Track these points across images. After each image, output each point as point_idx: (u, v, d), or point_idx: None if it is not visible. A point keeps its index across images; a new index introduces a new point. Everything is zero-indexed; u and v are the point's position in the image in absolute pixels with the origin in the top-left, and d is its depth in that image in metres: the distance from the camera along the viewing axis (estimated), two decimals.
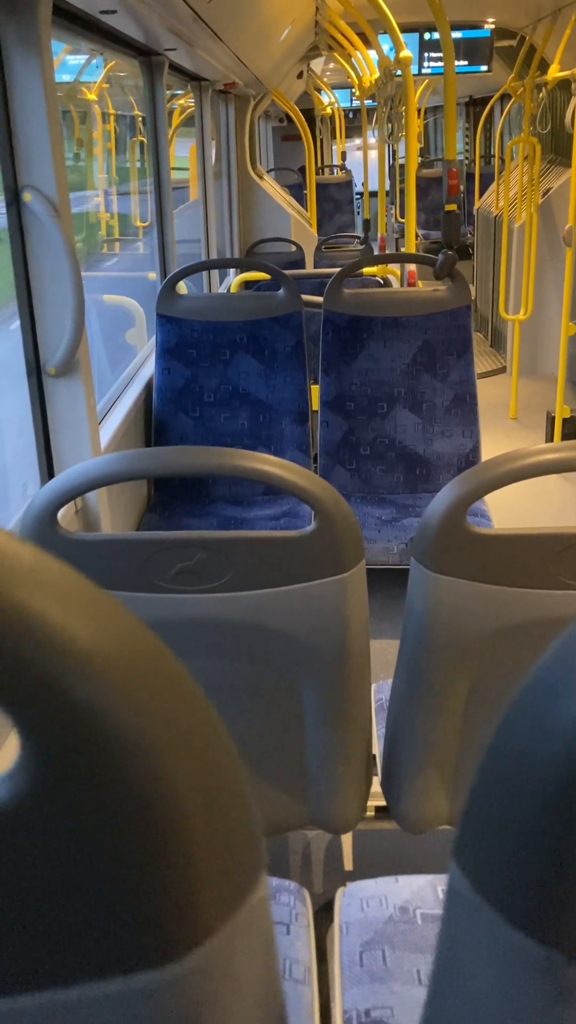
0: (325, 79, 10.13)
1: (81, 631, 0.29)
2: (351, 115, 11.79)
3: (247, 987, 0.35)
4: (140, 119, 6.71)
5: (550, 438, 4.62)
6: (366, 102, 8.07)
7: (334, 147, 11.66)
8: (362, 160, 10.98)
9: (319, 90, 10.46)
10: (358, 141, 13.15)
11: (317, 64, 8.14)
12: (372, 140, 9.44)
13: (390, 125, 5.63)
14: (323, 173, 10.56)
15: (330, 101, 10.65)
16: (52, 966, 0.31)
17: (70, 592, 0.30)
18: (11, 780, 0.30)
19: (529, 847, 0.31)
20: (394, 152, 7.12)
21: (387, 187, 6.42)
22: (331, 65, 7.89)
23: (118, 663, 0.30)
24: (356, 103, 9.64)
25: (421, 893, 1.22)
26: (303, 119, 7.15)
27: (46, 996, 0.31)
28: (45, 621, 0.29)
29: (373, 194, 8.94)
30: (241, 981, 0.34)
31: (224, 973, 0.33)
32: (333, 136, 11.45)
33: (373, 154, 9.20)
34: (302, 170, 8.27)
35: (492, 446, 3.12)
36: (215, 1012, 0.33)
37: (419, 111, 10.26)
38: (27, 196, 1.84)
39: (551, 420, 4.59)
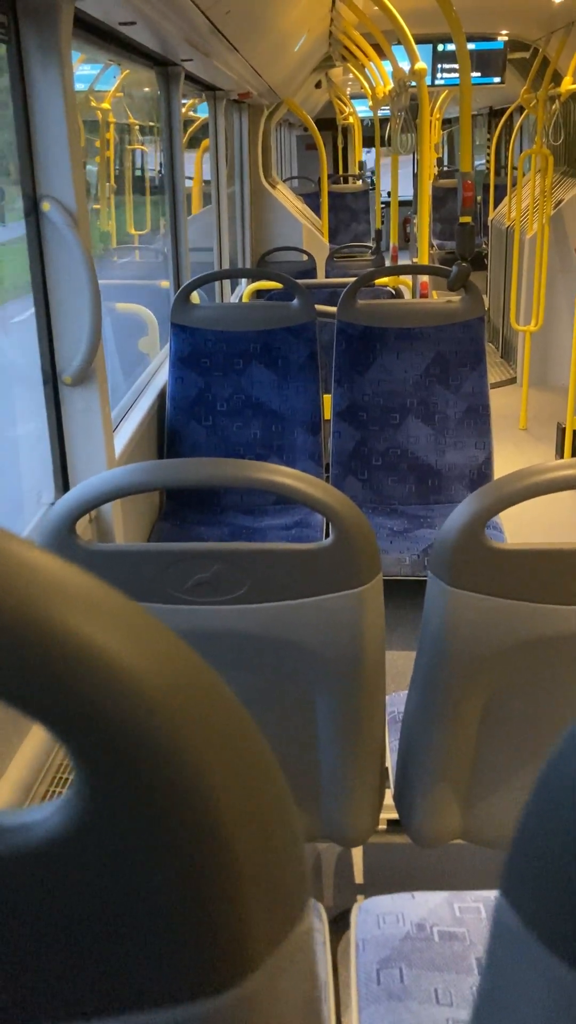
0: (347, 88, 10.16)
1: (133, 659, 0.29)
2: (368, 123, 11.84)
3: (290, 1017, 0.35)
4: (137, 127, 6.73)
5: (560, 449, 4.61)
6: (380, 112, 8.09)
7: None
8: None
9: (341, 99, 10.51)
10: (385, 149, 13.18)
11: (337, 73, 8.16)
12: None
13: (403, 136, 5.64)
14: (348, 182, 10.60)
15: (349, 111, 10.69)
16: (98, 996, 0.31)
17: (124, 619, 0.30)
18: (64, 809, 0.30)
19: None
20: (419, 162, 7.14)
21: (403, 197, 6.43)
22: (350, 75, 7.92)
23: (173, 692, 0.30)
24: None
25: (438, 910, 1.22)
26: (316, 129, 7.17)
27: None
28: (97, 649, 0.29)
29: (402, 204, 8.94)
30: (285, 1011, 0.34)
31: (270, 1004, 0.33)
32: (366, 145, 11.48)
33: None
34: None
35: (502, 457, 3.12)
36: None
37: (440, 121, 10.30)
38: (45, 206, 1.85)
39: (561, 431, 4.58)
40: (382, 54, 5.49)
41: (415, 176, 7.02)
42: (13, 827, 0.30)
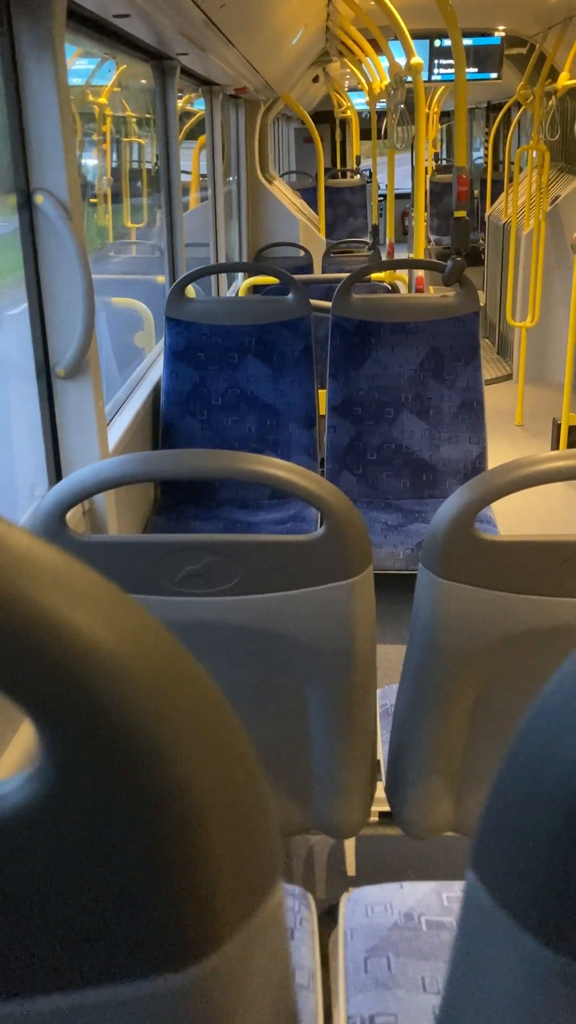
0: (345, 81, 10.15)
1: (103, 633, 0.30)
2: (365, 116, 11.83)
3: (261, 991, 0.35)
4: (134, 120, 6.71)
5: (556, 446, 4.62)
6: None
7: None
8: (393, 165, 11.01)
9: (339, 93, 10.50)
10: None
11: (335, 67, 8.15)
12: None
13: (400, 130, 5.64)
14: (347, 177, 10.60)
15: (346, 105, 10.68)
16: (69, 969, 0.31)
17: (92, 594, 0.30)
18: (31, 781, 0.30)
19: (548, 856, 0.31)
20: (415, 157, 7.14)
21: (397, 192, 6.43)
22: (347, 69, 7.91)
23: (139, 665, 0.30)
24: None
25: (426, 900, 1.22)
26: (313, 125, 7.16)
27: (63, 999, 0.32)
28: (68, 623, 0.29)
29: (400, 196, 8.93)
30: (256, 985, 0.34)
31: (239, 977, 0.33)
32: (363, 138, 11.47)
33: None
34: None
35: (498, 453, 3.12)
36: (230, 1016, 0.33)
37: (437, 115, 10.29)
38: (39, 198, 1.84)
39: (557, 427, 4.59)
40: (379, 49, 5.48)
41: (413, 170, 7.01)
42: None
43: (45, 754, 0.30)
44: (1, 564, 0.28)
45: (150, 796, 0.30)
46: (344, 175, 10.80)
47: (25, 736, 1.61)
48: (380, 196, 9.61)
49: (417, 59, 3.79)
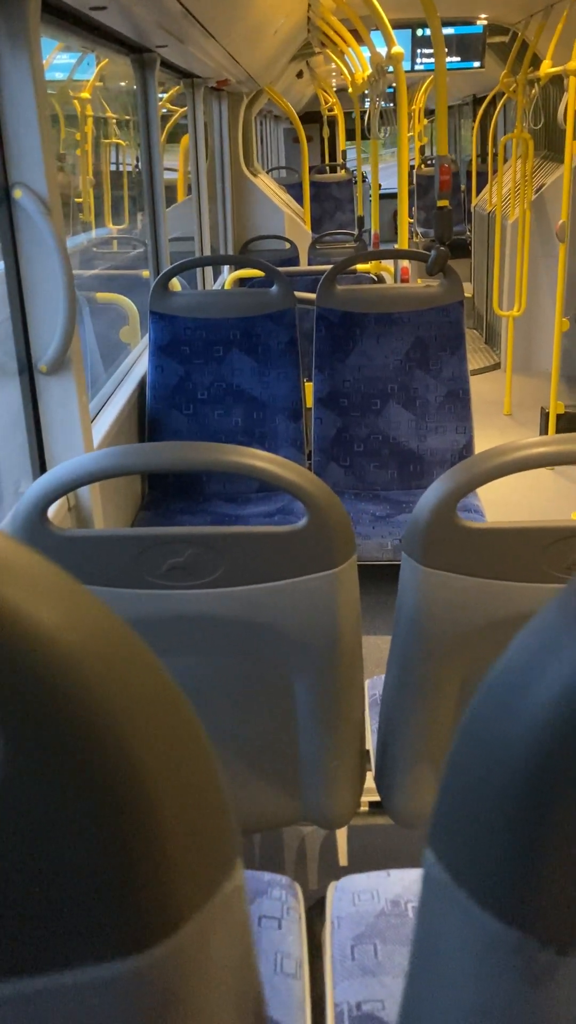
0: (332, 79, 10.17)
1: (53, 621, 0.29)
2: (353, 115, 11.87)
3: (221, 976, 0.35)
4: (114, 121, 6.69)
5: (544, 433, 4.62)
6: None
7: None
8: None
9: (325, 90, 10.53)
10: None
11: (319, 62, 8.14)
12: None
13: (386, 130, 5.63)
14: (336, 171, 10.62)
15: (332, 101, 10.72)
16: (24, 955, 0.31)
17: (38, 579, 0.30)
18: None
19: (501, 832, 0.31)
20: (397, 148, 7.13)
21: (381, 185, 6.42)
22: (332, 66, 7.89)
23: (89, 651, 0.30)
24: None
25: (412, 887, 1.22)
26: (296, 117, 7.15)
27: (17, 984, 0.31)
28: (16, 610, 0.29)
29: (389, 196, 8.92)
30: (215, 970, 0.34)
31: (199, 959, 0.33)
32: (350, 137, 11.51)
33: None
34: (311, 169, 8.31)
35: (486, 443, 3.11)
36: (188, 1000, 0.33)
37: (422, 111, 10.29)
38: (17, 193, 1.83)
39: (545, 416, 4.59)
40: (361, 40, 5.46)
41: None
42: None
43: None
44: None
45: (103, 781, 0.30)
46: (333, 170, 10.81)
47: None
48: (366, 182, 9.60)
49: (398, 48, 3.78)
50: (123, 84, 6.46)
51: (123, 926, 0.31)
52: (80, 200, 5.77)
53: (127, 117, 6.92)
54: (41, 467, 2.07)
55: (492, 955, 0.32)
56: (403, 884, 1.22)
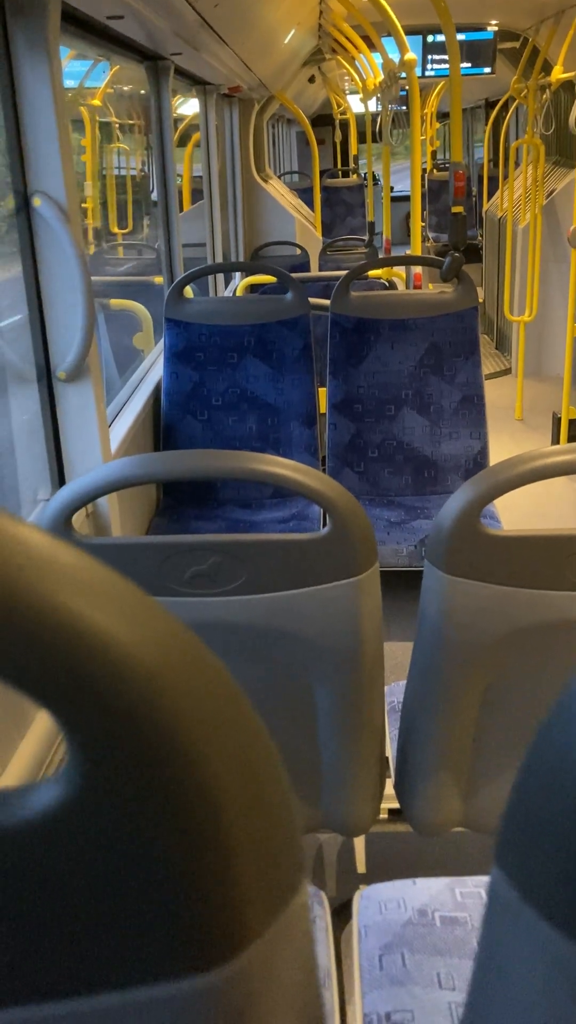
0: (344, 83, 10.19)
1: (127, 635, 0.29)
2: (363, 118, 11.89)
3: (287, 992, 0.35)
4: (117, 125, 6.71)
5: (556, 439, 4.61)
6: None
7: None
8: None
9: (337, 94, 10.55)
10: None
11: (331, 67, 8.16)
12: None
13: (398, 132, 5.64)
14: (349, 176, 10.64)
15: (344, 106, 10.74)
16: (89, 972, 0.31)
17: (114, 596, 0.30)
18: (58, 784, 0.30)
19: (574, 849, 0.31)
20: (410, 153, 7.14)
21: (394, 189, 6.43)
22: (344, 70, 7.91)
23: (164, 666, 0.30)
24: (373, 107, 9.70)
25: (439, 896, 1.22)
26: (307, 122, 7.16)
27: (91, 1001, 0.31)
28: (92, 626, 0.29)
29: (401, 199, 8.95)
30: (281, 986, 0.34)
31: (265, 978, 0.33)
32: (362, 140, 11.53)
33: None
34: (323, 173, 8.30)
35: (498, 448, 3.11)
36: (256, 1017, 0.33)
37: (434, 115, 10.31)
38: (36, 201, 1.84)
39: (557, 421, 4.58)
40: (372, 46, 5.48)
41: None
42: (10, 801, 0.31)
43: (73, 757, 0.30)
44: (26, 568, 0.28)
45: (177, 797, 0.30)
46: (346, 175, 10.82)
47: (32, 741, 1.61)
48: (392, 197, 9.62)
49: (411, 55, 3.78)
50: (126, 88, 6.47)
51: (194, 943, 0.31)
52: (86, 205, 5.79)
53: (131, 121, 6.94)
54: (59, 474, 2.08)
55: (560, 972, 0.32)
56: (430, 893, 1.22)
